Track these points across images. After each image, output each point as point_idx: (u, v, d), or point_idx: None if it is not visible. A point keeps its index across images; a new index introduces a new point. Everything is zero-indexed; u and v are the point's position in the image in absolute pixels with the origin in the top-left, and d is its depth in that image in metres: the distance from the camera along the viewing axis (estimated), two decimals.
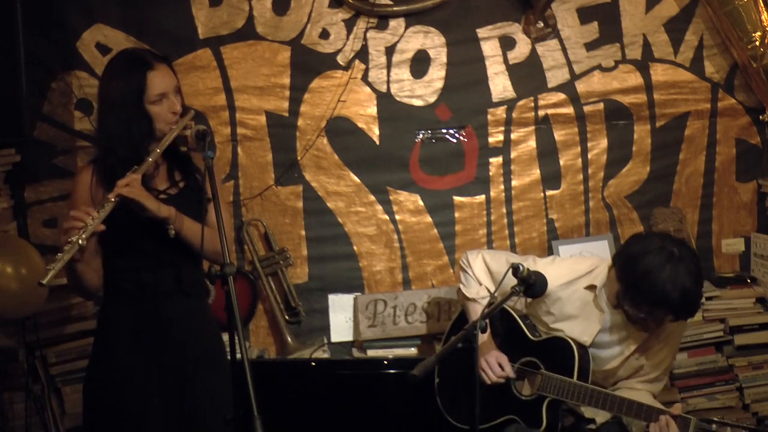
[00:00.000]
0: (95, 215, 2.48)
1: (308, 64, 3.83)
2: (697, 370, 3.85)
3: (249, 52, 3.79)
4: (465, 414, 3.12)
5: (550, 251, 3.97)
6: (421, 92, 3.89)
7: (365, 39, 3.83)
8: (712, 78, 4.01)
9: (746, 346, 3.87)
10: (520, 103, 3.94)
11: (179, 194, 2.74)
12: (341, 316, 3.90)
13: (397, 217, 3.93)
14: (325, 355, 3.77)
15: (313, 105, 3.84)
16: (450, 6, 3.85)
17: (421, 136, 3.92)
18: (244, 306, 3.79)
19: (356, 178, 3.90)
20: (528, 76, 3.93)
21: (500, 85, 3.92)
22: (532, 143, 3.98)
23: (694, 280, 2.78)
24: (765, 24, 3.76)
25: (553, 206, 4.01)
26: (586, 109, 3.97)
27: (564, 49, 3.94)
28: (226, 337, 2.48)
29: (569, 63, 3.95)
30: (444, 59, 3.88)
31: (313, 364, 3.62)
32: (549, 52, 3.93)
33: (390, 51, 3.86)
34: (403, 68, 3.88)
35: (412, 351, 3.84)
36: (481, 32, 3.89)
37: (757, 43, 3.76)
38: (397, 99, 3.89)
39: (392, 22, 3.85)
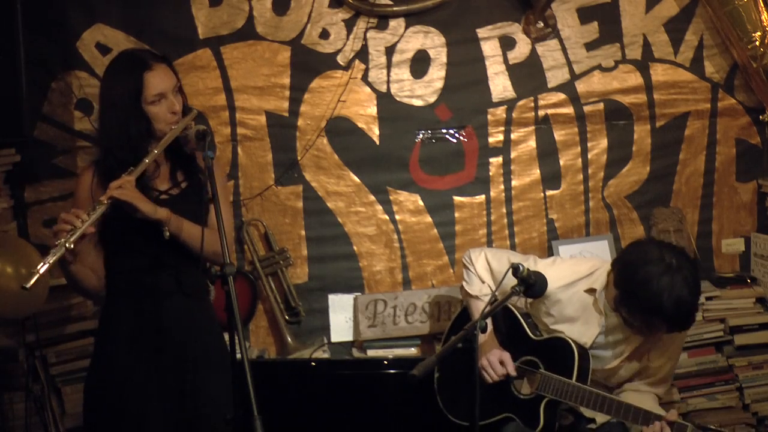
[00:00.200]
0: (85, 218, 2.46)
1: (308, 64, 3.82)
2: (697, 370, 3.84)
3: (249, 52, 3.79)
4: (464, 411, 3.12)
5: (550, 251, 3.97)
6: (421, 92, 3.89)
7: (365, 39, 3.83)
8: (712, 78, 4.01)
9: (746, 346, 3.87)
10: (520, 103, 3.94)
11: (181, 194, 2.74)
12: (341, 316, 3.90)
13: (397, 217, 3.93)
14: (325, 355, 3.77)
15: (313, 105, 3.84)
16: (450, 6, 3.84)
17: (421, 136, 3.91)
18: (244, 306, 3.78)
19: (356, 178, 3.90)
20: (528, 76, 3.93)
21: (500, 85, 3.92)
22: (532, 143, 3.98)
23: (690, 291, 2.76)
24: (765, 24, 3.76)
25: (553, 206, 4.01)
26: (586, 109, 3.97)
27: (564, 49, 3.94)
28: (226, 336, 2.48)
29: (569, 63, 3.95)
30: (444, 59, 3.88)
31: (313, 364, 3.62)
32: (549, 52, 3.93)
33: (390, 51, 3.86)
34: (403, 68, 3.87)
35: (412, 351, 3.84)
36: (481, 32, 3.89)
37: (757, 43, 3.76)
38: (397, 99, 3.88)
39: (392, 22, 3.85)
